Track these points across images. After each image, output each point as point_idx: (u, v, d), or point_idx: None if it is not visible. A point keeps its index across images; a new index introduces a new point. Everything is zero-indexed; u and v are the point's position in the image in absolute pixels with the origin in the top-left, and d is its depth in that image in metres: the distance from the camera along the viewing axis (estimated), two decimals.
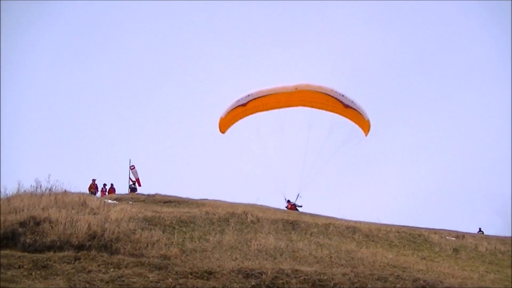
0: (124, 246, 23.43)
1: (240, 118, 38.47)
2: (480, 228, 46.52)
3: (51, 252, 21.82)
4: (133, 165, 48.61)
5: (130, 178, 48.41)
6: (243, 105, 38.04)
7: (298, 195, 41.16)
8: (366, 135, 39.32)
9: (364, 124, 38.69)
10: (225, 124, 39.21)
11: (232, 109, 38.48)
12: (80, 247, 22.61)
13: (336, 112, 37.96)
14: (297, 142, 38.94)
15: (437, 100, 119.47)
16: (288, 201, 41.37)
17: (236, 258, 23.48)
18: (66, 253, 21.72)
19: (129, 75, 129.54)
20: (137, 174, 48.86)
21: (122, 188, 47.46)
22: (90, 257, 21.27)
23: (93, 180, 45.67)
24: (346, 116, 38.08)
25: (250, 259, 23.35)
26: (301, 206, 41.40)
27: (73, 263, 20.70)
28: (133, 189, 46.98)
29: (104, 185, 46.50)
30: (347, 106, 37.80)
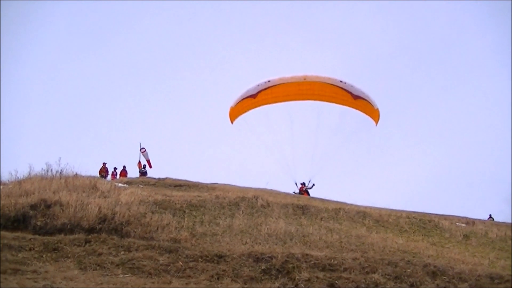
0: (135, 229, 23.49)
1: (250, 109, 38.47)
2: (490, 215, 46.51)
3: (62, 235, 21.88)
4: (143, 148, 48.67)
5: (139, 161, 48.48)
6: (253, 96, 38.01)
7: (310, 181, 41.24)
8: (376, 124, 39.30)
9: (374, 113, 38.66)
10: (234, 114, 39.20)
11: (242, 99, 38.47)
12: (90, 230, 22.68)
13: (345, 105, 37.94)
14: (307, 132, 38.93)
15: (447, 87, 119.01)
16: (303, 184, 41.41)
17: (246, 242, 23.51)
18: (76, 235, 21.78)
19: (140, 58, 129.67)
20: (147, 155, 48.92)
21: (132, 172, 47.64)
22: (101, 240, 21.32)
23: (104, 164, 45.81)
24: (356, 108, 38.05)
25: (260, 243, 23.38)
26: (314, 185, 41.46)
27: (84, 246, 20.76)
28: (143, 173, 47.07)
29: (115, 168, 46.61)
30: (356, 97, 37.73)
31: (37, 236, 21.68)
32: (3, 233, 21.17)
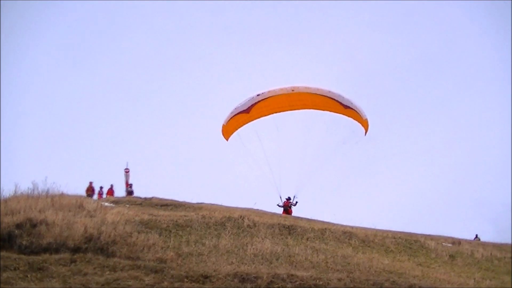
0: (120, 249, 23.41)
1: (244, 124, 38.52)
2: (476, 235, 46.69)
3: (47, 254, 21.78)
4: (127, 168, 48.59)
5: (126, 181, 48.39)
6: (246, 111, 38.06)
7: (295, 196, 41.18)
8: (365, 134, 39.42)
9: (362, 122, 38.77)
10: (228, 131, 39.24)
11: (234, 116, 38.49)
12: (76, 250, 22.58)
13: (337, 112, 38.05)
14: (295, 142, 38.99)
15: (433, 107, 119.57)
16: (288, 198, 41.32)
17: (232, 262, 23.49)
18: (62, 255, 21.68)
19: (126, 77, 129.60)
20: (128, 177, 48.75)
21: (119, 191, 47.56)
22: (86, 259, 21.25)
23: (90, 183, 45.76)
24: (347, 115, 38.15)
25: (246, 264, 23.36)
26: (297, 203, 41.39)
27: (69, 266, 20.67)
28: (130, 193, 47.00)
29: (101, 187, 46.53)
30: (346, 107, 37.90)
31: (22, 255, 21.56)
32: None
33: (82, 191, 42.54)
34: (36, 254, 21.92)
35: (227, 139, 39.72)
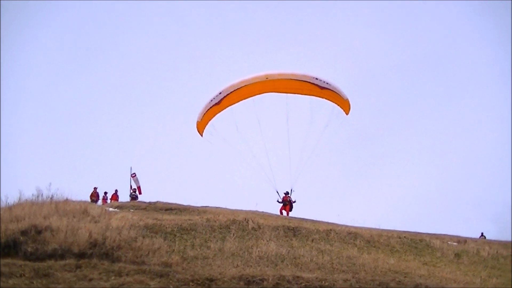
0: (126, 254, 23.41)
1: (215, 115, 38.08)
2: (482, 233, 46.53)
3: (53, 261, 21.80)
4: (134, 173, 48.70)
5: (131, 185, 48.49)
6: (218, 103, 37.58)
7: (292, 190, 40.90)
8: (347, 113, 38.95)
9: (343, 103, 38.26)
10: (202, 126, 38.69)
11: (207, 110, 38.03)
12: (81, 255, 22.59)
13: (312, 95, 37.73)
14: (280, 134, 38.65)
15: (438, 105, 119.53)
16: (286, 193, 41.03)
17: (237, 265, 23.48)
18: (67, 261, 21.70)
19: (130, 81, 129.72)
20: (138, 182, 48.97)
21: (124, 196, 47.59)
22: (91, 265, 21.26)
23: (95, 188, 45.78)
24: (323, 97, 37.76)
25: (251, 266, 23.34)
26: (295, 202, 41.21)
27: (75, 271, 20.69)
28: (134, 197, 47.04)
29: (105, 193, 46.56)
30: (323, 88, 37.38)
31: (27, 262, 21.59)
32: None
33: (86, 197, 42.60)
34: (42, 261, 21.94)
35: (201, 135, 39.14)
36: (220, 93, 37.43)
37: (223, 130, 37.59)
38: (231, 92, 37.23)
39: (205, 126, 38.54)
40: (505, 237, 38.38)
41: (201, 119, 38.41)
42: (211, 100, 37.71)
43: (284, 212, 41.11)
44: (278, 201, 41.08)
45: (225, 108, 37.60)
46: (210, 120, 38.09)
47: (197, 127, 39.00)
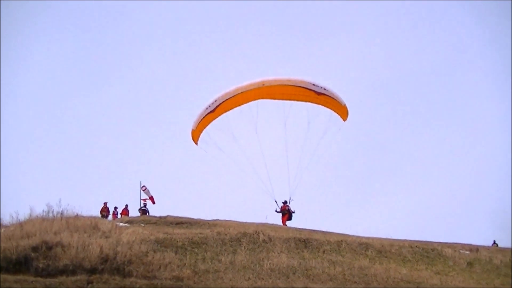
0: (137, 269, 23.42)
1: (210, 122, 37.77)
2: (494, 241, 46.18)
3: (64, 276, 21.85)
4: (144, 186, 48.60)
5: (142, 199, 48.39)
6: (212, 111, 37.27)
7: (290, 198, 40.44)
8: (344, 120, 38.61)
9: (341, 109, 37.82)
10: (197, 134, 38.32)
11: (202, 118, 37.69)
12: (92, 271, 22.62)
13: (308, 101, 37.20)
14: (277, 142, 38.26)
15: (449, 111, 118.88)
16: (284, 202, 40.62)
17: (249, 278, 23.43)
18: (78, 277, 21.74)
19: (140, 95, 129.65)
20: (149, 192, 48.82)
21: (134, 210, 47.51)
22: (103, 280, 21.28)
23: (105, 203, 45.69)
24: (319, 103, 37.39)
25: (263, 279, 23.30)
26: (294, 212, 40.83)
27: (86, 287, 20.68)
28: (144, 211, 46.96)
29: (115, 208, 46.51)
30: (319, 94, 36.97)
31: (39, 278, 21.66)
32: (5, 276, 21.12)
33: (96, 212, 42.53)
34: (53, 277, 21.99)
35: (196, 143, 38.80)
36: (215, 100, 37.06)
37: (219, 139, 37.26)
38: (226, 100, 36.97)
39: (199, 134, 38.19)
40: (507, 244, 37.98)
41: (196, 127, 37.99)
42: (206, 108, 37.27)
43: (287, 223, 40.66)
44: (276, 211, 40.67)
45: (220, 115, 37.29)
46: (204, 127, 37.78)
47: (192, 135, 38.54)
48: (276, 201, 40.07)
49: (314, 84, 37.01)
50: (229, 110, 36.90)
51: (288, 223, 40.16)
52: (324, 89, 37.08)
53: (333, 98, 37.31)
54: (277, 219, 39.18)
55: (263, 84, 36.78)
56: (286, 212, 40.46)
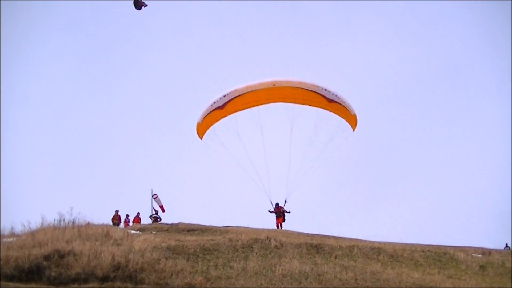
0: (149, 276, 23.46)
1: (218, 120, 37.46)
2: (506, 244, 46.12)
3: (76, 285, 21.92)
4: (155, 194, 48.77)
5: (153, 207, 48.56)
6: (221, 107, 37.04)
7: (285, 201, 40.28)
8: (353, 129, 38.39)
9: (350, 118, 37.62)
10: (202, 129, 37.88)
11: (209, 113, 37.40)
12: (104, 279, 22.68)
13: (320, 107, 37.07)
14: (281, 143, 37.97)
15: (457, 118, 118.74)
16: (277, 205, 40.43)
17: (261, 284, 23.44)
18: (91, 285, 21.80)
19: (149, 103, 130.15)
20: (160, 201, 49.02)
21: (145, 218, 47.66)
22: None
23: (116, 211, 45.85)
24: (330, 110, 37.15)
25: (275, 285, 23.31)
26: (289, 212, 40.68)
27: None
28: (156, 219, 47.08)
29: (127, 215, 46.65)
30: (331, 101, 36.69)
31: (51, 286, 21.74)
32: (17, 285, 21.20)
33: (108, 220, 42.70)
34: (65, 285, 22.06)
35: (201, 138, 38.47)
36: (224, 96, 36.79)
37: (223, 134, 37.06)
38: (235, 97, 36.68)
39: (205, 129, 37.73)
40: None
41: (202, 121, 37.66)
42: (214, 103, 36.98)
43: (282, 225, 40.49)
44: (269, 211, 40.49)
45: (228, 114, 36.92)
46: (211, 124, 37.36)
47: (196, 129, 38.26)
48: (271, 201, 39.98)
49: (325, 90, 36.81)
50: (239, 110, 36.63)
51: (283, 224, 40.16)
52: (336, 95, 36.94)
53: (343, 106, 37.15)
54: (289, 225, 39.23)
55: (274, 85, 36.59)
56: (281, 215, 40.34)
